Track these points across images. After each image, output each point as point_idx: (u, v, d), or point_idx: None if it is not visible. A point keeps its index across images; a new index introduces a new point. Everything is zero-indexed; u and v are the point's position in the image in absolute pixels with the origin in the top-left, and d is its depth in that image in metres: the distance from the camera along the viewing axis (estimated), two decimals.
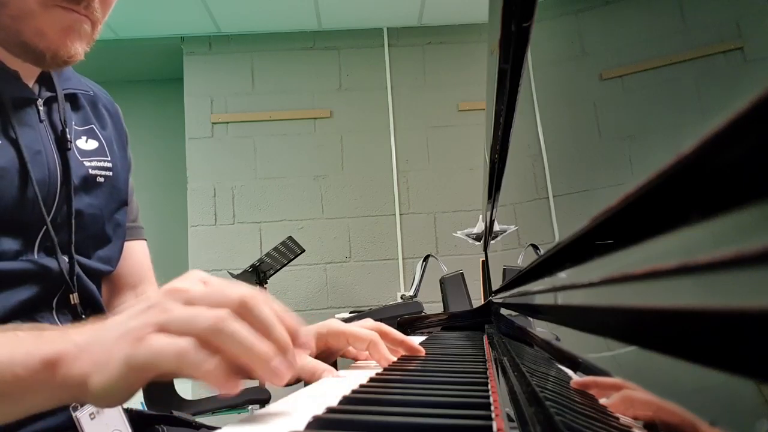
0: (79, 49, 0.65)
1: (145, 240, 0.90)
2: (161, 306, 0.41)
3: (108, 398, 0.40)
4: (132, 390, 0.40)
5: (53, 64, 0.66)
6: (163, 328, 0.39)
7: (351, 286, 3.31)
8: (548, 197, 0.50)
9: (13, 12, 0.62)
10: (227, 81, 3.42)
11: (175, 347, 0.38)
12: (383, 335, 0.70)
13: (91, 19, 0.66)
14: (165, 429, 0.77)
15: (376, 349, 0.66)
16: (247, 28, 3.41)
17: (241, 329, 0.39)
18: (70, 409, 0.66)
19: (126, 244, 0.82)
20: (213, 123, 3.38)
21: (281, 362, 0.39)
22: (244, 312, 0.40)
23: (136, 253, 0.87)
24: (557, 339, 0.41)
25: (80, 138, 0.76)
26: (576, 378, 0.31)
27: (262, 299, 0.41)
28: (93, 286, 0.74)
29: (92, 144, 0.78)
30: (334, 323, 0.70)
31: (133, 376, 0.38)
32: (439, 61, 3.49)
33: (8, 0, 0.61)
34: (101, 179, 0.76)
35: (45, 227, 0.68)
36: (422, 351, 0.73)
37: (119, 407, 0.71)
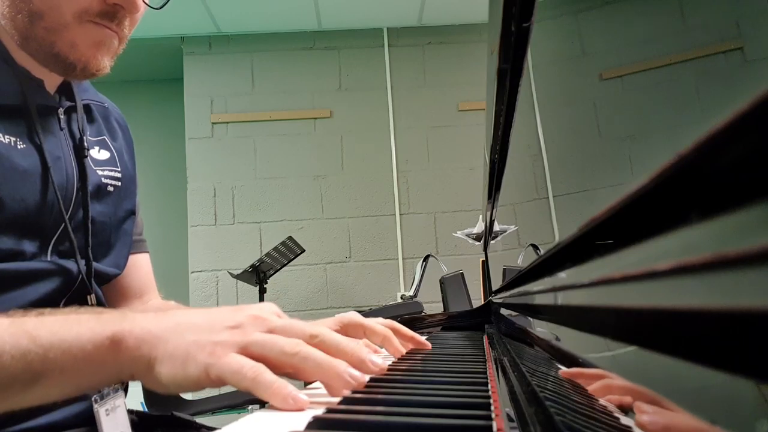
0: (107, 63, 0.69)
1: (149, 252, 0.95)
2: (245, 329, 0.47)
3: (170, 387, 0.45)
4: (195, 390, 0.45)
5: (82, 76, 0.69)
6: (244, 350, 0.45)
7: (351, 286, 3.31)
8: (548, 197, 0.50)
9: (49, 24, 0.65)
10: (227, 81, 3.42)
11: (252, 369, 0.43)
12: (395, 332, 0.74)
13: (119, 35, 0.69)
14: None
15: (390, 343, 0.69)
16: (247, 28, 3.41)
17: (313, 351, 0.46)
18: (92, 400, 0.69)
19: (133, 256, 0.87)
20: (213, 123, 3.38)
21: (351, 374, 0.45)
22: (316, 342, 0.48)
23: (143, 265, 0.92)
24: (557, 339, 0.41)
25: (93, 148, 0.80)
26: (576, 378, 0.31)
27: (330, 331, 0.50)
28: (99, 289, 0.77)
29: (104, 154, 0.81)
30: (354, 316, 0.73)
31: (205, 381, 0.44)
32: (439, 61, 3.49)
33: (44, 13, 0.64)
34: (111, 188, 0.80)
35: (59, 231, 0.71)
36: (429, 345, 0.78)
37: (125, 411, 0.74)
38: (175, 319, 0.48)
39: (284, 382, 0.43)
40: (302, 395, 0.43)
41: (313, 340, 0.48)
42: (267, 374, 0.43)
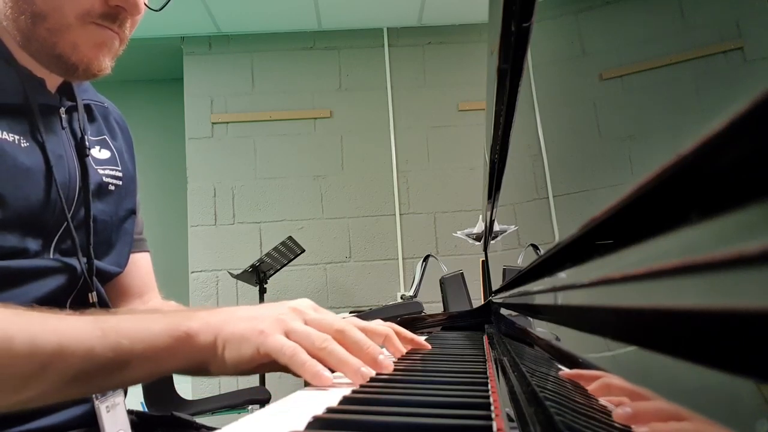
0: (108, 64, 0.70)
1: (149, 252, 0.96)
2: (288, 317, 0.59)
3: (230, 369, 0.56)
4: (250, 366, 0.56)
5: (83, 77, 0.70)
6: (287, 334, 0.56)
7: (351, 286, 3.31)
8: (548, 197, 0.50)
9: (51, 25, 0.65)
10: (227, 81, 3.42)
11: (291, 348, 0.55)
12: (395, 333, 0.75)
13: (120, 36, 0.70)
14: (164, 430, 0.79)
15: (391, 342, 0.71)
16: (247, 28, 3.41)
17: (336, 348, 0.56)
18: (93, 397, 0.71)
19: (134, 255, 0.88)
20: (213, 123, 3.38)
21: (363, 371, 0.54)
22: (340, 336, 0.58)
23: (143, 265, 0.93)
24: (557, 339, 0.41)
25: (94, 147, 0.80)
26: (575, 378, 0.31)
27: (353, 328, 0.60)
28: (101, 287, 0.78)
29: (105, 153, 0.82)
30: (354, 319, 0.74)
31: (257, 357, 0.55)
32: (439, 61, 3.49)
33: (47, 14, 0.65)
34: (112, 187, 0.81)
35: (62, 229, 0.71)
36: (428, 346, 0.80)
37: (125, 410, 0.75)
38: (229, 313, 0.59)
39: (315, 361, 0.54)
40: (328, 373, 0.53)
41: (338, 335, 0.58)
42: (302, 354, 0.54)
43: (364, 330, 0.74)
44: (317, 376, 0.52)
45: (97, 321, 0.54)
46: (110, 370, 0.53)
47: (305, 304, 0.62)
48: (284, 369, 0.56)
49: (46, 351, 0.50)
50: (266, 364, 0.57)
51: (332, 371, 0.56)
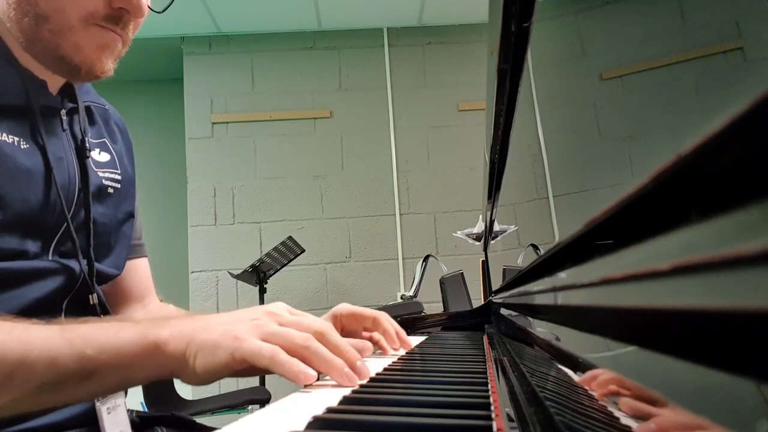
0: (111, 66, 0.70)
1: (147, 257, 0.96)
2: (263, 320, 0.56)
3: (204, 377, 0.53)
4: (224, 373, 0.53)
5: (86, 78, 0.70)
6: (264, 337, 0.54)
7: (351, 286, 3.30)
8: (548, 197, 0.50)
9: (54, 27, 0.65)
10: (227, 81, 3.41)
11: (270, 349, 0.52)
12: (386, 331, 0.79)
13: (123, 38, 0.70)
14: (164, 430, 0.79)
15: (380, 324, 0.74)
16: (247, 28, 3.41)
17: (321, 348, 0.54)
18: (95, 400, 0.71)
19: (134, 261, 0.89)
20: (213, 123, 3.38)
21: (348, 372, 0.53)
22: (320, 338, 0.55)
23: (142, 270, 0.93)
24: (557, 339, 0.41)
25: (94, 149, 0.80)
26: (576, 378, 0.31)
27: (332, 331, 0.57)
28: (99, 289, 0.78)
29: (105, 156, 0.82)
30: (344, 305, 0.79)
31: (231, 363, 0.52)
32: (439, 61, 3.49)
33: (50, 16, 0.65)
34: (111, 190, 0.81)
35: (61, 230, 0.71)
36: (411, 345, 0.82)
37: (125, 410, 0.75)
38: (203, 320, 0.57)
39: (296, 360, 0.51)
40: (312, 371, 0.51)
41: (318, 336, 0.56)
42: (282, 354, 0.52)
43: (353, 314, 0.77)
44: (301, 375, 0.51)
45: (64, 330, 0.53)
46: (76, 380, 0.52)
47: (280, 307, 0.61)
48: (264, 372, 0.54)
49: (10, 360, 0.49)
50: (243, 369, 0.54)
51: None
